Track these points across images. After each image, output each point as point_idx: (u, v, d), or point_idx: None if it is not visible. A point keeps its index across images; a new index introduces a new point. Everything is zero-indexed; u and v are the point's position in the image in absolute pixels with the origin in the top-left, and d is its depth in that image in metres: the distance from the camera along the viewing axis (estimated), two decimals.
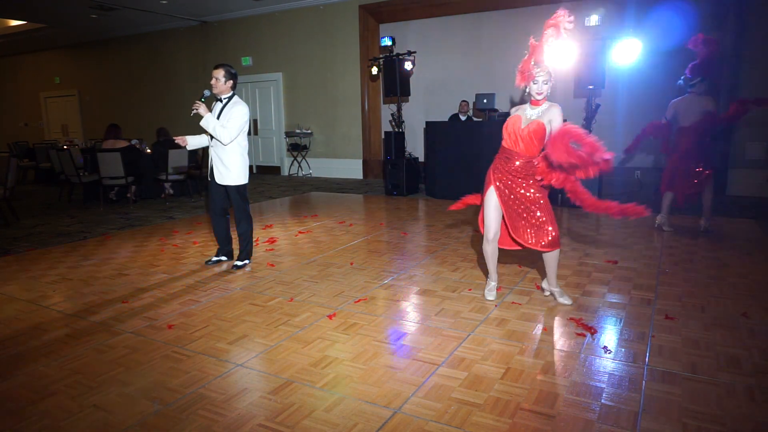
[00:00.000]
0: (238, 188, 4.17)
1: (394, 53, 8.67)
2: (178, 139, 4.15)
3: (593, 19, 7.81)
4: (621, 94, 7.90)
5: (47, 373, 2.58)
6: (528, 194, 3.20)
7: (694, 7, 7.27)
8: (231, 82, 4.06)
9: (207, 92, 4.07)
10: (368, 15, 9.95)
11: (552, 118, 3.06)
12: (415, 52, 8.65)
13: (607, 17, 7.49)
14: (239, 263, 4.31)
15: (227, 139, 3.97)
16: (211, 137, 4.11)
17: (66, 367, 2.64)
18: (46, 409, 2.25)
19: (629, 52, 6.36)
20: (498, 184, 3.27)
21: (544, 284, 3.54)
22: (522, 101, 3.30)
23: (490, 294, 3.51)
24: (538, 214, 3.19)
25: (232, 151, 4.08)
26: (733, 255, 4.44)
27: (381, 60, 8.92)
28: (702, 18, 7.31)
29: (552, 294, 3.47)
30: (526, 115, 3.15)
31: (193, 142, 4.21)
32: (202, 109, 3.94)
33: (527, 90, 3.14)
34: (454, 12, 9.35)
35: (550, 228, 3.19)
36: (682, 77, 5.09)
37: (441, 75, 9.77)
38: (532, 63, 3.07)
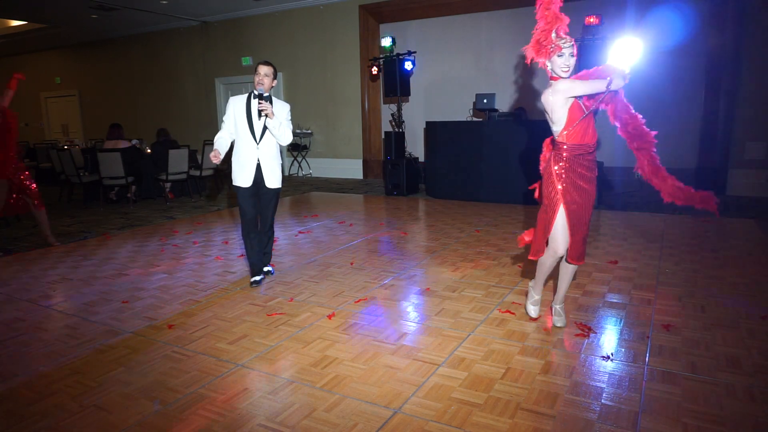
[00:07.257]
0: (278, 191, 3.83)
1: (395, 53, 8.66)
2: (213, 157, 3.55)
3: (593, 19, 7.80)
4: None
5: (47, 373, 2.58)
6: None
7: (694, 7, 7.27)
8: (275, 80, 3.72)
9: (261, 90, 3.58)
10: (368, 15, 9.95)
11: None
12: (415, 52, 8.64)
13: (607, 17, 7.48)
14: (270, 268, 4.12)
15: (290, 139, 3.71)
16: (260, 138, 3.65)
17: (66, 367, 2.65)
18: (46, 409, 2.25)
19: (631, 51, 6.32)
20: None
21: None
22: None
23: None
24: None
25: (279, 151, 3.82)
26: (733, 255, 4.44)
27: (381, 60, 8.92)
28: (702, 18, 7.32)
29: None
30: None
31: (223, 150, 3.68)
32: (271, 108, 3.54)
33: (549, 66, 2.77)
34: (454, 12, 9.34)
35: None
36: None
37: (441, 75, 9.76)
38: (553, 35, 2.65)
